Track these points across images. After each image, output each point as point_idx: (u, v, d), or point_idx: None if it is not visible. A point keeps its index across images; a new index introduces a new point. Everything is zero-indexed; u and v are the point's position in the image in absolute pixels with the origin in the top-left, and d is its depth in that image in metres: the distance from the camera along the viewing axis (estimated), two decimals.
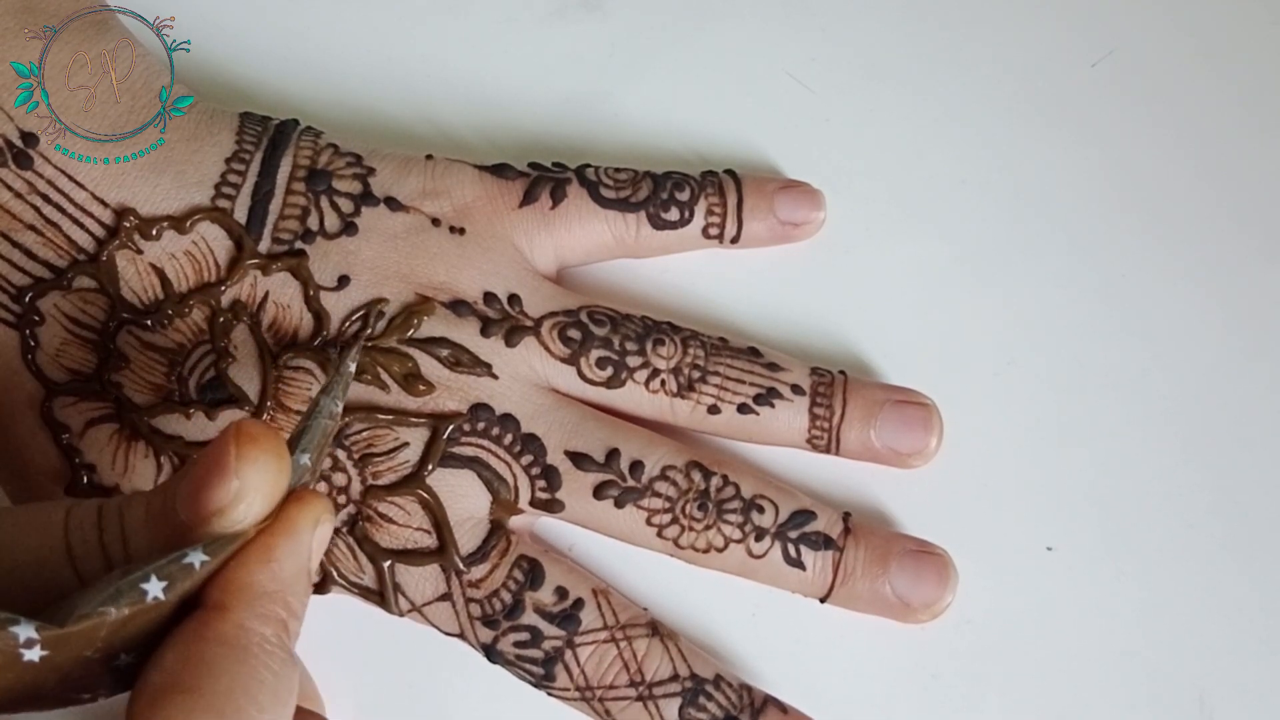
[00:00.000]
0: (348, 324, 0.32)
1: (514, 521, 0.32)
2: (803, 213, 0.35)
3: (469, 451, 0.31)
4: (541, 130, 0.36)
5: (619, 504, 0.31)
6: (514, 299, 0.32)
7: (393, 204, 0.33)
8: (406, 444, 0.31)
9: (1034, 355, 0.35)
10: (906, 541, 0.32)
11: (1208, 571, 0.33)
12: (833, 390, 0.33)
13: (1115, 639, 0.33)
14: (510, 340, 0.32)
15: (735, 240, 0.34)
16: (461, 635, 0.31)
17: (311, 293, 0.32)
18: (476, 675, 0.32)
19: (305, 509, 0.24)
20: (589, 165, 0.34)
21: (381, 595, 0.31)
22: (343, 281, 0.32)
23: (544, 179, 0.34)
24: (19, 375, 0.31)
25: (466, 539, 0.31)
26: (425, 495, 0.31)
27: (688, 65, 0.37)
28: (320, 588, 0.31)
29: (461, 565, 0.31)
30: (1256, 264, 0.35)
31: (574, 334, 0.32)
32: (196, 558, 0.22)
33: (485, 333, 0.32)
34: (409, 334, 0.31)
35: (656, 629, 0.31)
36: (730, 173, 0.35)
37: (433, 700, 0.33)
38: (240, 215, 0.32)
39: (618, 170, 0.34)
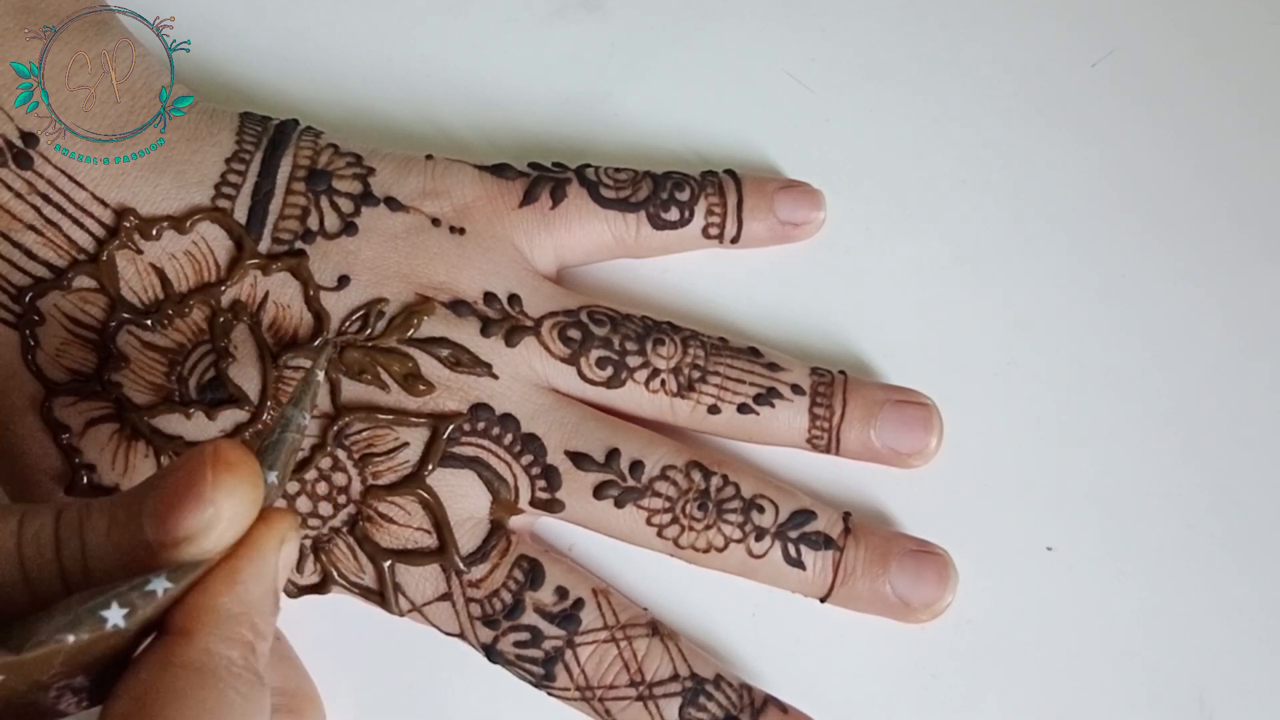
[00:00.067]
0: (347, 324, 0.32)
1: (514, 521, 0.32)
2: (803, 213, 0.35)
3: (469, 451, 0.31)
4: (541, 130, 0.36)
5: (619, 504, 0.31)
6: (514, 299, 0.32)
7: (393, 204, 0.33)
8: (406, 444, 0.31)
9: (1034, 355, 0.35)
10: (906, 541, 0.32)
11: (1208, 571, 0.33)
12: (833, 390, 0.33)
13: (1115, 639, 0.33)
14: (510, 340, 0.32)
15: (735, 240, 0.34)
16: (461, 635, 0.31)
17: (311, 293, 0.32)
18: (476, 675, 0.32)
19: (271, 530, 0.23)
20: (589, 165, 0.34)
21: (382, 595, 0.31)
22: (343, 281, 0.32)
23: (544, 179, 0.34)
24: (19, 375, 0.31)
25: (467, 539, 0.31)
26: (425, 495, 0.31)
27: (688, 65, 0.37)
28: (320, 588, 0.31)
29: (462, 565, 0.31)
30: (1256, 264, 0.35)
31: (574, 334, 0.32)
32: (160, 585, 0.21)
33: (485, 333, 0.32)
34: (409, 334, 0.31)
35: (656, 629, 0.31)
36: (730, 173, 0.35)
37: (433, 700, 0.33)
38: (240, 215, 0.32)
39: (618, 170, 0.34)
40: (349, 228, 0.32)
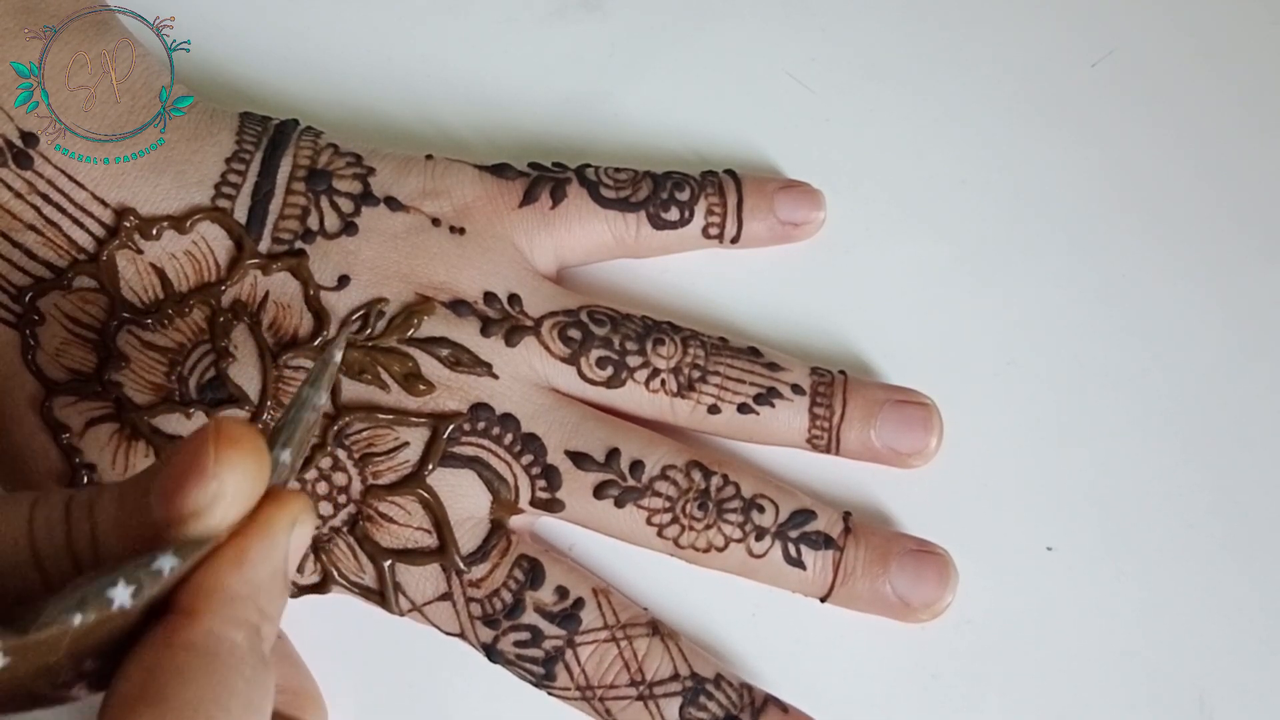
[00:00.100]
0: (347, 323, 0.32)
1: (514, 521, 0.32)
2: (803, 213, 0.35)
3: (469, 451, 0.31)
4: (541, 130, 0.36)
5: (619, 503, 0.31)
6: (514, 299, 0.32)
7: (393, 204, 0.33)
8: (407, 444, 0.31)
9: (1034, 355, 0.35)
10: (907, 541, 0.32)
11: (1208, 571, 0.33)
12: (833, 390, 0.33)
13: (1115, 639, 0.33)
14: (510, 340, 0.32)
15: (735, 240, 0.34)
16: (462, 635, 0.31)
17: (312, 292, 0.32)
18: (476, 675, 0.32)
19: (282, 509, 0.23)
20: (589, 165, 0.34)
21: (382, 595, 0.31)
22: (343, 281, 0.32)
23: (544, 179, 0.34)
24: (19, 375, 0.31)
25: (467, 538, 0.31)
26: (425, 495, 0.31)
27: (688, 65, 0.37)
28: (320, 588, 0.31)
29: (462, 565, 0.31)
30: (1256, 264, 0.35)
31: (574, 334, 0.32)
32: (166, 563, 0.21)
33: (485, 332, 0.32)
34: (409, 334, 0.31)
35: (657, 628, 0.31)
36: (730, 173, 0.35)
37: (433, 700, 0.33)
38: (240, 215, 0.32)
39: (618, 170, 0.34)
40: (349, 227, 0.32)
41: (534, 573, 0.31)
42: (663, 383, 0.32)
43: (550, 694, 0.31)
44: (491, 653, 0.31)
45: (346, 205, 0.32)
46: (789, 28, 0.37)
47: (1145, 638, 0.33)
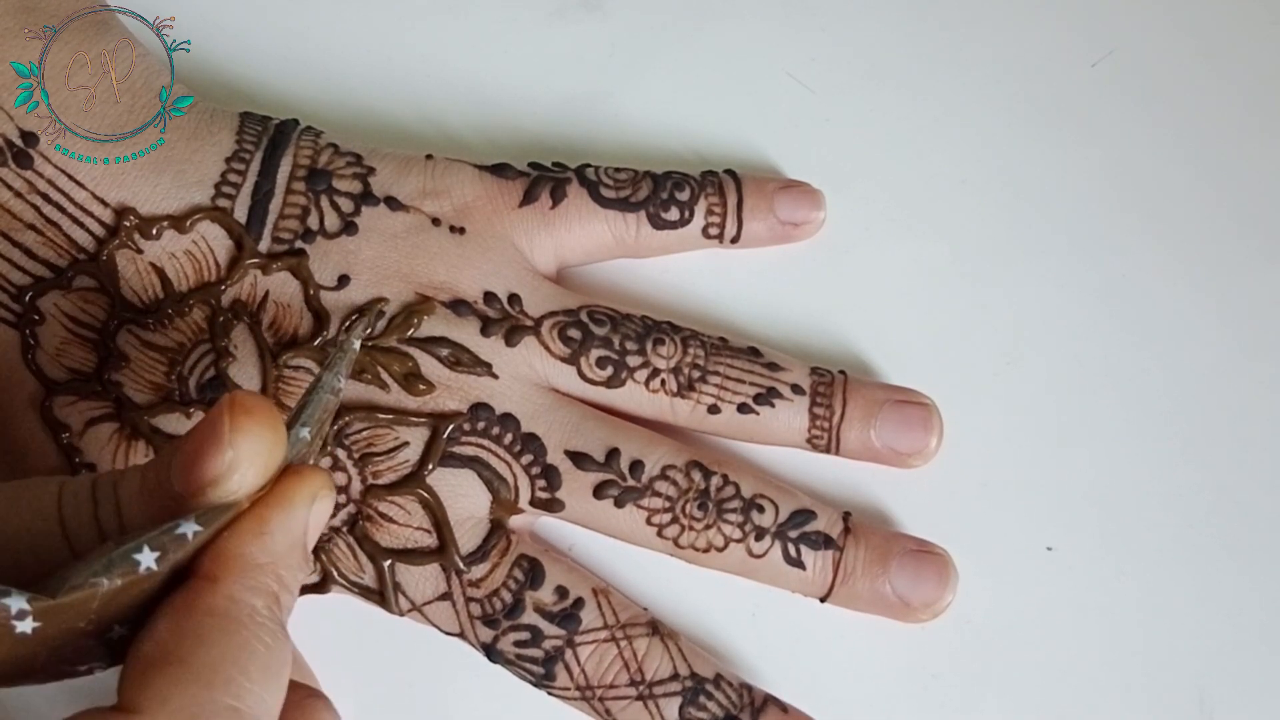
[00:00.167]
0: (348, 323, 0.32)
1: (514, 521, 0.32)
2: (803, 213, 0.35)
3: (469, 451, 0.31)
4: (541, 130, 0.36)
5: (619, 503, 0.31)
6: (514, 299, 0.32)
7: (393, 203, 0.33)
8: (406, 443, 0.31)
9: (1034, 355, 0.35)
10: (906, 541, 0.32)
11: (1208, 571, 0.33)
12: (833, 390, 0.33)
13: (1115, 639, 0.33)
14: (510, 340, 0.32)
15: (735, 240, 0.34)
16: (462, 635, 0.31)
17: (312, 292, 0.32)
18: (476, 675, 0.32)
19: (302, 483, 0.24)
20: (589, 165, 0.34)
21: (381, 595, 0.31)
22: (343, 281, 0.32)
23: (544, 179, 0.34)
24: (19, 375, 0.31)
25: (466, 538, 0.31)
26: (425, 495, 0.31)
27: (688, 65, 0.37)
28: (320, 587, 0.31)
29: (462, 565, 0.31)
30: (1256, 264, 0.35)
31: (574, 334, 0.32)
32: (189, 528, 0.22)
33: (485, 332, 0.32)
34: (409, 333, 0.31)
35: (656, 628, 0.31)
36: (730, 173, 0.35)
37: (433, 700, 0.33)
38: (240, 215, 0.32)
39: (618, 170, 0.34)
40: (349, 227, 0.32)
41: (534, 573, 0.31)
42: (663, 383, 0.32)
43: (550, 694, 0.31)
44: (491, 653, 0.31)
45: (346, 205, 0.32)
46: (789, 28, 0.37)
47: (1145, 638, 0.33)
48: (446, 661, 0.32)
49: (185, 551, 0.22)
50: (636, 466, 0.31)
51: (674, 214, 0.34)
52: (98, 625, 0.22)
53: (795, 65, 0.37)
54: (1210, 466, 0.34)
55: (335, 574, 0.31)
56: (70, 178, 0.31)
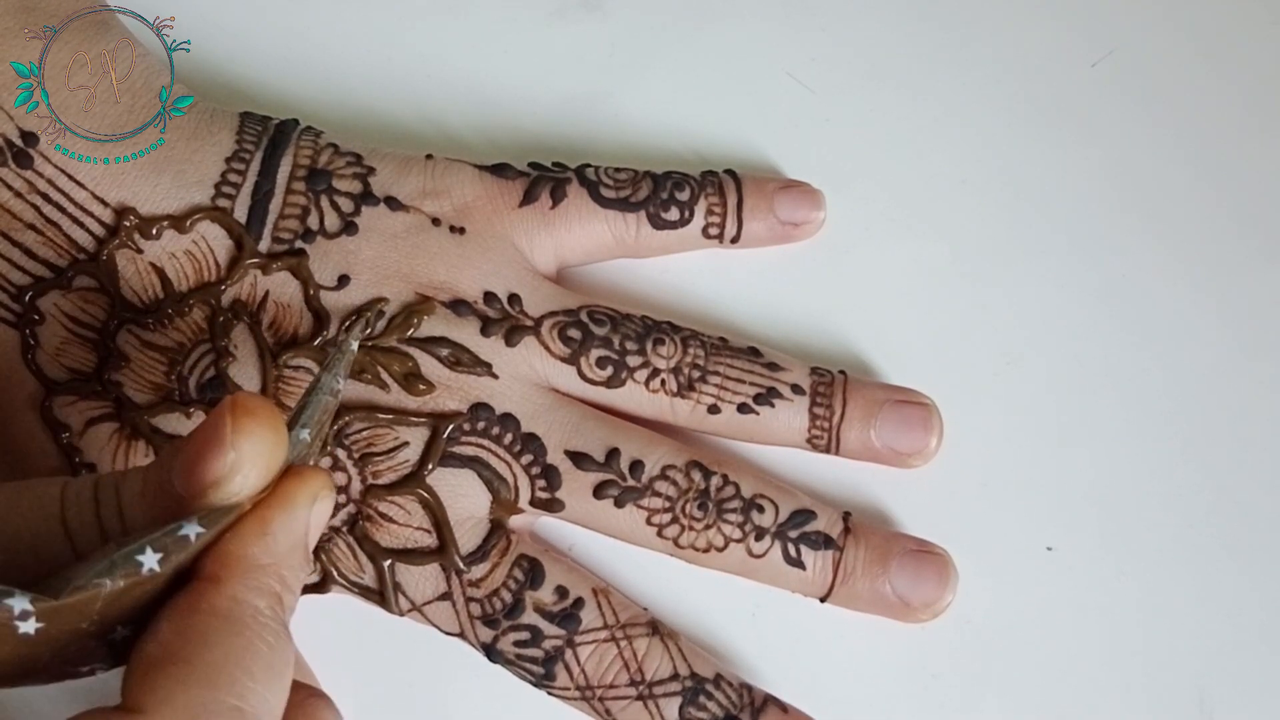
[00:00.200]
0: (347, 324, 0.32)
1: (514, 521, 0.32)
2: (803, 213, 0.35)
3: (469, 451, 0.31)
4: (541, 130, 0.36)
5: (619, 503, 0.31)
6: (514, 298, 0.32)
7: (393, 203, 0.33)
8: (406, 443, 0.31)
9: (1034, 355, 0.35)
10: (906, 541, 0.32)
11: (1208, 571, 0.33)
12: (833, 390, 0.33)
13: (1115, 639, 0.33)
14: (510, 340, 0.32)
15: (735, 240, 0.34)
16: (461, 635, 0.31)
17: (311, 292, 0.32)
18: (476, 675, 0.32)
19: (303, 484, 0.24)
20: (589, 165, 0.34)
21: (381, 595, 0.31)
22: (343, 281, 0.32)
23: (544, 179, 0.34)
24: (19, 374, 0.31)
25: (466, 538, 0.31)
26: (425, 495, 0.31)
27: (688, 65, 0.37)
28: (320, 587, 0.31)
29: (461, 565, 0.31)
30: (1256, 264, 0.35)
31: (574, 334, 0.32)
32: (191, 529, 0.22)
33: (485, 332, 0.32)
34: (409, 333, 0.31)
35: (656, 628, 0.31)
36: (730, 173, 0.35)
37: (433, 700, 0.33)
38: (240, 215, 0.32)
39: (618, 170, 0.34)
40: (349, 227, 0.32)
41: (534, 572, 0.31)
42: (663, 383, 0.32)
43: (550, 694, 0.31)
44: (491, 653, 0.31)
45: (346, 205, 0.32)
46: (789, 28, 0.37)
47: (1145, 638, 0.33)
48: (446, 661, 0.32)
49: (188, 553, 0.22)
50: (636, 466, 0.31)
51: (674, 214, 0.34)
52: (100, 626, 0.22)
53: (795, 65, 0.37)
54: (1210, 466, 0.34)
55: (335, 574, 0.31)
56: (70, 178, 0.31)
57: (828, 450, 0.33)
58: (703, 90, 0.37)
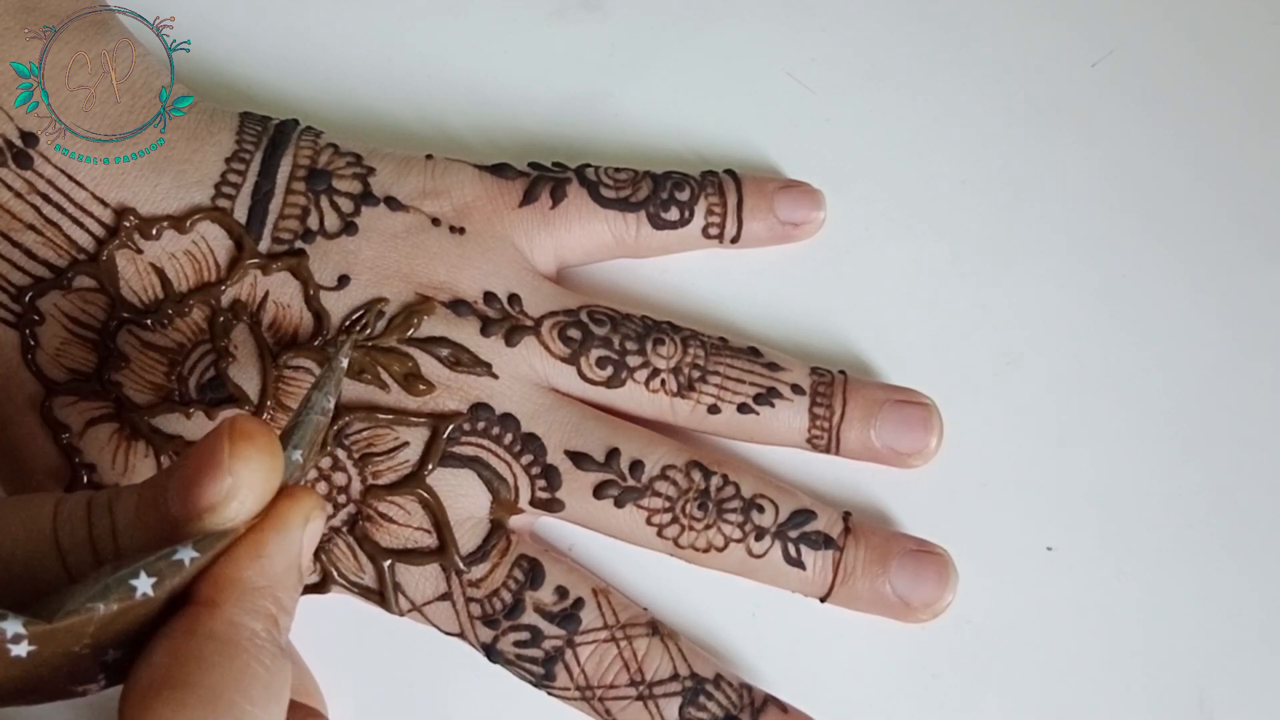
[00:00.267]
0: (346, 323, 0.32)
1: (514, 521, 0.32)
2: (803, 213, 0.35)
3: (469, 451, 0.31)
4: (541, 130, 0.37)
5: (619, 503, 0.31)
6: (514, 299, 0.32)
7: (393, 204, 0.33)
8: (406, 443, 0.31)
9: (1034, 355, 0.35)
10: (906, 541, 0.32)
11: (1208, 571, 0.33)
12: (833, 390, 0.33)
13: (1115, 639, 0.33)
14: (510, 340, 0.32)
15: (735, 240, 0.34)
16: (461, 635, 0.31)
17: (311, 292, 0.32)
18: (476, 675, 0.32)
19: (296, 505, 0.24)
20: (589, 165, 0.34)
21: (381, 595, 0.31)
22: (343, 281, 0.32)
23: (544, 179, 0.34)
24: (19, 375, 0.31)
25: (466, 538, 0.31)
26: (425, 495, 0.31)
27: (688, 65, 0.37)
28: (320, 587, 0.31)
29: (461, 565, 0.31)
30: (1256, 264, 0.35)
31: (574, 334, 0.32)
32: (186, 554, 0.22)
33: (485, 332, 0.32)
34: (409, 333, 0.31)
35: (656, 628, 0.31)
36: (730, 173, 0.35)
37: (433, 700, 0.33)
38: (240, 215, 0.32)
39: (618, 170, 0.34)
40: (349, 227, 0.32)
41: (534, 573, 0.31)
42: (663, 383, 0.32)
43: (550, 694, 0.31)
44: (491, 653, 0.31)
45: (346, 205, 0.32)
46: (789, 28, 0.37)
47: (1145, 638, 0.33)
48: (446, 661, 0.32)
49: (182, 577, 0.22)
50: (636, 466, 0.31)
51: (674, 214, 0.34)
52: (93, 649, 0.22)
53: (795, 65, 0.37)
54: (1210, 466, 0.34)
55: (335, 574, 0.31)
56: (70, 178, 0.31)
57: (828, 450, 0.33)
58: (703, 90, 0.37)
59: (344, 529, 0.31)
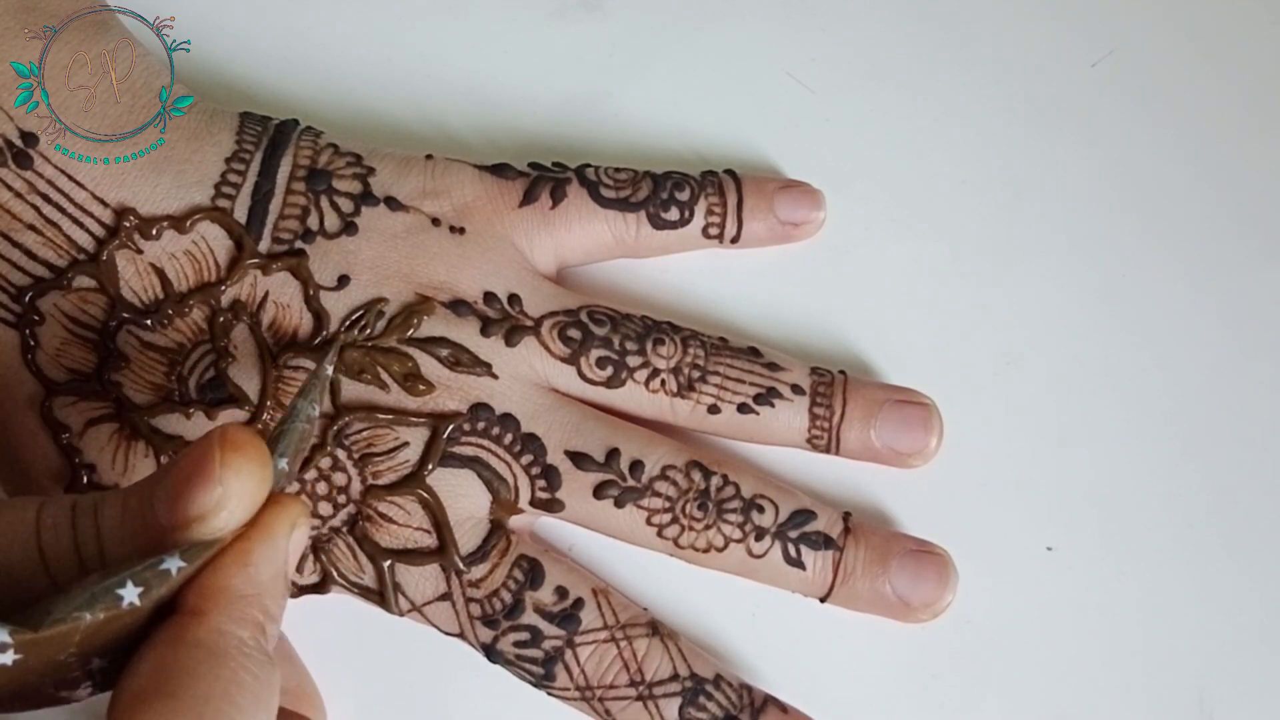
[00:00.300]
0: (346, 323, 0.32)
1: (514, 521, 0.32)
2: (803, 213, 0.35)
3: (469, 451, 0.31)
4: (541, 130, 0.36)
5: (619, 504, 0.31)
6: (514, 299, 0.32)
7: (393, 204, 0.33)
8: (406, 444, 0.31)
9: (1034, 355, 0.35)
10: (906, 541, 0.32)
11: (1208, 571, 0.33)
12: (833, 390, 0.33)
13: (1115, 639, 0.33)
14: (510, 340, 0.32)
15: (735, 240, 0.34)
16: (461, 635, 0.31)
17: (311, 292, 0.32)
18: (476, 675, 0.32)
19: (282, 513, 0.24)
20: (589, 165, 0.34)
21: (381, 595, 0.31)
22: (343, 281, 0.32)
23: (544, 179, 0.34)
24: (19, 375, 0.31)
25: (466, 539, 0.31)
26: (425, 495, 0.31)
27: (688, 65, 0.37)
28: (320, 588, 0.31)
29: (461, 565, 0.31)
30: (1256, 264, 0.35)
31: (574, 334, 0.32)
32: (173, 564, 0.22)
33: (485, 332, 0.32)
34: (409, 334, 0.31)
35: (656, 629, 0.31)
36: (730, 173, 0.35)
37: (433, 700, 0.33)
38: (240, 215, 0.32)
39: (618, 170, 0.34)
40: (349, 227, 0.32)
41: (534, 573, 0.31)
42: (663, 383, 0.32)
43: (550, 694, 0.31)
44: (491, 653, 0.31)
45: (346, 205, 0.32)
46: (789, 28, 0.37)
47: (1145, 638, 0.33)
48: (446, 661, 0.32)
49: (169, 587, 0.22)
50: (636, 466, 0.31)
51: (674, 214, 0.34)
52: (79, 658, 0.22)
53: (795, 65, 0.37)
54: (1210, 466, 0.34)
55: (335, 574, 0.31)
56: (70, 178, 0.31)
57: (828, 450, 0.33)
58: (703, 90, 0.37)
59: (344, 529, 0.31)
